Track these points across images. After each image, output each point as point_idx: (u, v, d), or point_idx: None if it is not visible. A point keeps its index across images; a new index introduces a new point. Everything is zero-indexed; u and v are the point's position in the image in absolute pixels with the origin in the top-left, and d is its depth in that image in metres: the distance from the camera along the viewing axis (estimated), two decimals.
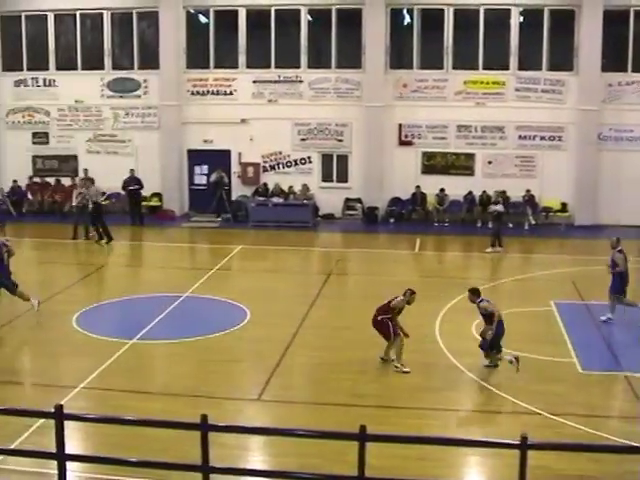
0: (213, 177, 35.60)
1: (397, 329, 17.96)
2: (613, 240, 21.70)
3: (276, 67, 35.71)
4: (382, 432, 11.61)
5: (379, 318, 18.04)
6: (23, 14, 37.48)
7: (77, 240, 31.33)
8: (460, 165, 35.18)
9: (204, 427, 10.38)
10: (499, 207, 30.40)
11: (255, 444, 14.14)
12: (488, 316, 17.70)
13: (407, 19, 35.40)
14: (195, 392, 16.59)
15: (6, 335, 20.99)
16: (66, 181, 37.18)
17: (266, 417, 15.86)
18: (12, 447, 13.24)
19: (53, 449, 10.88)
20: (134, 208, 34.87)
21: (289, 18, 35.61)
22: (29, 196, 37.54)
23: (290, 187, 35.37)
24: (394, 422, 14.77)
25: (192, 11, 36.52)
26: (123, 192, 35.52)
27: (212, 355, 19.06)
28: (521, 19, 34.35)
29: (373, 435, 10.29)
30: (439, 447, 12.53)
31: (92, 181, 32.96)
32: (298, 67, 35.54)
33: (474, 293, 17.95)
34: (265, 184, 35.89)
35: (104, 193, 36.25)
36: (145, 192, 35.79)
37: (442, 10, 34.40)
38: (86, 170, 35.85)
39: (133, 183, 34.79)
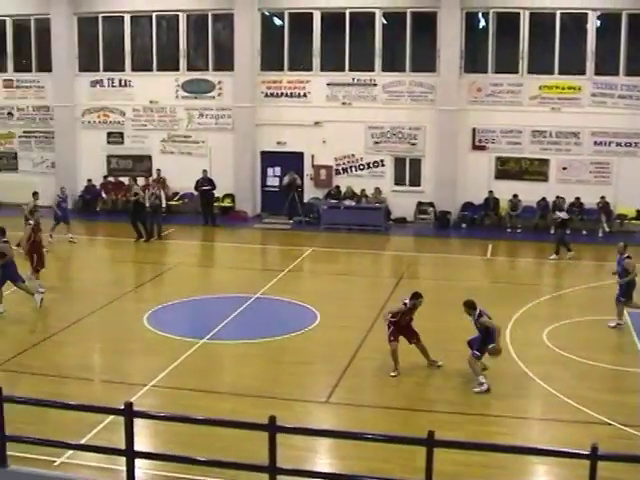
0: (286, 179, 35.65)
1: (394, 336, 17.80)
2: (620, 246, 21.53)
3: (350, 70, 35.64)
4: (449, 438, 11.51)
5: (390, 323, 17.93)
6: (100, 15, 37.96)
7: (150, 239, 31.63)
8: (534, 171, 34.79)
9: (272, 428, 10.38)
10: (563, 214, 30.08)
11: (323, 446, 14.13)
12: (484, 331, 17.07)
13: (482, 22, 35.13)
14: (264, 393, 16.62)
15: (77, 332, 21.24)
16: (140, 181, 37.45)
17: (334, 420, 15.84)
18: (82, 442, 13.38)
19: (122, 446, 10.95)
20: (206, 209, 35.07)
21: (364, 21, 35.53)
22: (103, 195, 37.95)
23: (362, 190, 35.25)
24: (461, 428, 14.64)
25: (267, 13, 36.64)
26: (196, 192, 35.76)
27: (281, 356, 19.09)
28: (598, 23, 33.85)
29: (441, 441, 10.20)
30: (505, 455, 12.40)
31: (135, 180, 34.03)
32: (372, 70, 35.44)
33: (470, 306, 17.21)
34: (337, 187, 35.85)
35: (177, 193, 36.64)
36: (218, 193, 36.00)
37: (518, 14, 34.05)
38: (159, 170, 36.22)
39: (206, 184, 35.01)
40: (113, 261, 30.17)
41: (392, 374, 17.62)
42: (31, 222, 25.06)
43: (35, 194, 29.91)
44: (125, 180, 37.63)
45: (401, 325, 17.89)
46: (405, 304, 17.84)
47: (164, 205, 33.34)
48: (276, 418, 10.30)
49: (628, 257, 21.26)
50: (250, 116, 36.28)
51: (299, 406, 16.21)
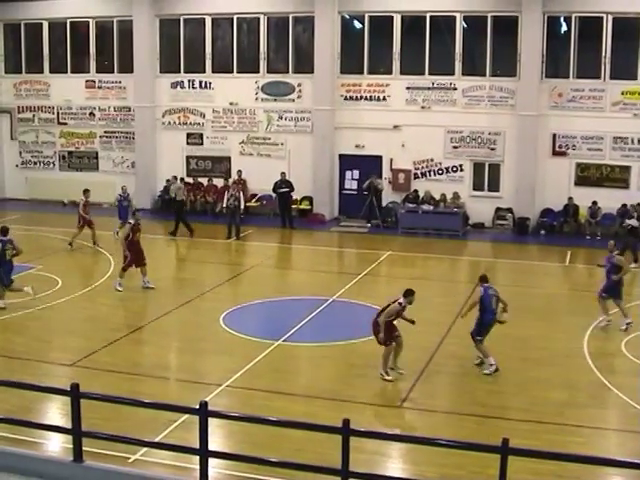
0: (366, 183, 35.48)
1: (391, 336, 17.74)
2: (610, 244, 22.11)
3: (430, 74, 35.45)
4: (523, 446, 11.36)
5: (378, 320, 17.77)
6: (181, 17, 38.34)
7: (230, 240, 31.86)
8: (615, 177, 34.26)
9: (345, 431, 10.37)
10: (633, 221, 29.61)
11: (395, 451, 14.07)
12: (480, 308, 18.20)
13: (564, 27, 34.70)
14: (337, 396, 16.60)
15: (154, 331, 21.47)
16: (219, 182, 37.77)
17: (407, 424, 15.77)
18: (157, 440, 13.50)
19: (196, 444, 11.03)
20: (284, 211, 35.20)
21: (444, 24, 35.34)
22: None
23: (442, 195, 35.00)
24: (535, 436, 14.43)
25: (347, 16, 36.65)
26: (274, 195, 35.91)
27: (356, 360, 19.06)
28: None
29: (516, 449, 10.10)
30: (580, 465, 12.20)
31: (176, 177, 34.98)
32: (452, 74, 35.21)
33: (482, 280, 18.64)
34: (416, 191, 35.67)
35: (255, 195, 36.79)
36: (296, 195, 36.12)
37: (600, 18, 33.52)
38: (240, 172, 36.37)
39: (284, 186, 35.14)
40: (191, 261, 30.45)
41: (388, 378, 17.56)
42: (131, 221, 25.74)
43: (86, 191, 30.82)
44: (204, 181, 37.98)
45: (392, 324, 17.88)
46: (400, 303, 17.76)
47: (242, 207, 33.48)
48: (349, 421, 10.29)
49: (619, 254, 22.09)
50: (329, 119, 36.31)
51: (372, 410, 16.18)
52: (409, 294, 17.81)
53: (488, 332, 18.09)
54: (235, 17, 37.60)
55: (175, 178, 35.36)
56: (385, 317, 17.64)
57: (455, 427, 15.31)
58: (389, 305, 17.84)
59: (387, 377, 17.56)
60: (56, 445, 14.20)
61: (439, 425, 15.52)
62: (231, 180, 35.97)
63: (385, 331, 17.59)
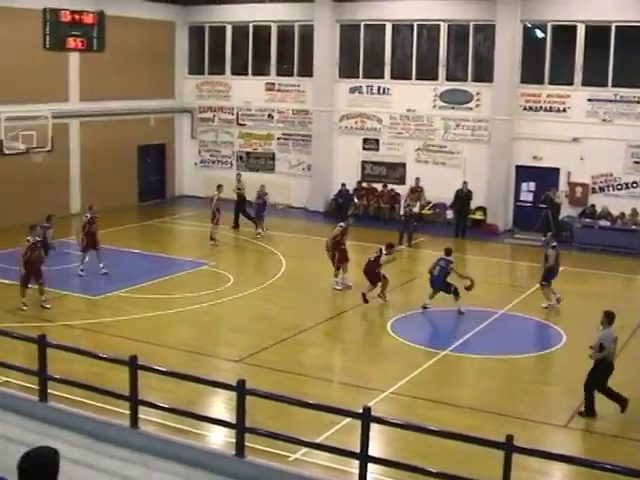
0: (544, 195, 34.69)
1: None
2: (548, 235, 26.03)
3: (613, 86, 34.50)
4: None
5: (376, 270, 24.14)
6: (362, 23, 38.53)
7: (401, 246, 31.82)
8: None
9: (509, 447, 10.16)
10: None
11: (558, 471, 13.74)
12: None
13: None
14: (501, 410, 16.35)
15: (322, 333, 21.62)
16: (394, 188, 37.75)
17: (572, 445, 15.37)
18: (317, 441, 13.55)
19: (356, 448, 11.00)
20: (460, 220, 34.88)
21: (631, 35, 34.17)
22: (355, 200, 38.41)
23: (622, 213, 33.90)
24: None
25: (529, 25, 36.06)
26: (448, 204, 35.66)
27: (522, 375, 18.74)
28: None
29: None
30: None
31: (240, 174, 36.40)
32: (637, 87, 34.17)
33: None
34: (593, 206, 34.76)
35: (429, 203, 36.64)
36: (471, 205, 35.77)
37: None
38: (418, 179, 36.24)
39: (463, 194, 34.83)
40: (358, 264, 30.50)
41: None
42: (342, 224, 26.76)
43: (220, 187, 32.25)
44: (378, 186, 38.02)
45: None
46: (381, 250, 24.49)
47: (417, 214, 33.33)
48: (513, 437, 10.08)
49: (552, 247, 24.73)
50: (507, 129, 35.78)
51: (536, 427, 15.84)
52: (390, 247, 24.59)
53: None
54: (415, 24, 37.53)
55: (240, 175, 36.39)
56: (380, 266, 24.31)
57: (621, 452, 14.80)
58: (377, 258, 24.35)
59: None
60: (219, 438, 14.46)
61: (604, 448, 15.05)
62: (408, 187, 35.87)
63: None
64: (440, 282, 23.41)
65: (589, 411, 16.50)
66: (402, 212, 32.96)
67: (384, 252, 24.39)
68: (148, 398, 13.53)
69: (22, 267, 22.39)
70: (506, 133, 35.72)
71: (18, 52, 33.32)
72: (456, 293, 23.16)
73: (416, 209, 33.56)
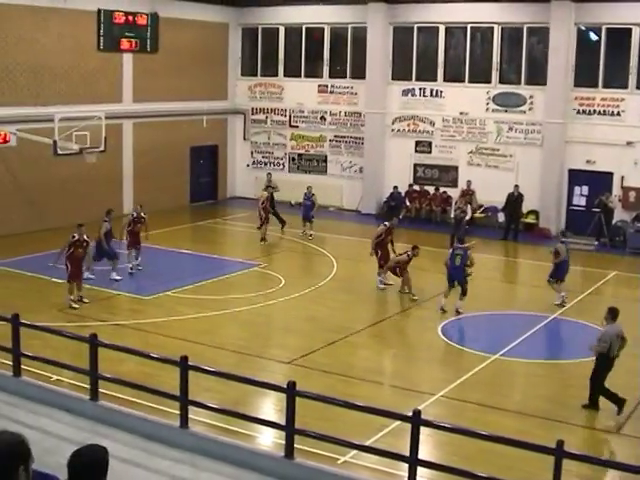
0: (597, 200, 34.36)
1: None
2: (560, 233, 27.52)
3: None
4: None
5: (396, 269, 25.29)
6: (415, 26, 38.42)
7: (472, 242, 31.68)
8: None
9: (559, 452, 10.08)
10: None
11: (609, 479, 13.59)
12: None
13: None
14: (551, 415, 16.23)
15: (372, 335, 21.60)
16: (446, 191, 37.61)
17: (623, 451, 15.19)
18: (367, 444, 13.52)
19: (406, 452, 10.97)
20: (511, 223, 34.65)
21: None
22: (407, 203, 38.31)
23: None
24: None
25: (583, 28, 35.72)
26: (499, 208, 35.46)
27: (573, 380, 18.56)
28: None
29: None
30: None
31: (270, 174, 36.65)
32: None
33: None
34: None
35: (481, 206, 36.44)
36: (523, 209, 35.52)
37: None
38: (469, 182, 36.07)
39: (514, 198, 34.59)
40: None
41: (415, 297, 24.46)
42: (387, 223, 27.03)
43: (267, 188, 33.08)
44: (430, 189, 37.87)
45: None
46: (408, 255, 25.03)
47: (468, 218, 33.14)
48: (563, 443, 9.99)
49: (561, 242, 25.29)
50: (560, 132, 35.48)
51: (586, 433, 15.73)
52: (415, 249, 25.23)
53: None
54: (469, 26, 37.35)
55: (270, 175, 36.67)
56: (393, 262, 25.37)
57: None
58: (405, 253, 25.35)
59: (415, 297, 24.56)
60: (268, 440, 14.48)
61: None
62: (458, 190, 35.72)
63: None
64: (462, 273, 23.44)
65: (593, 404, 16.61)
66: (453, 215, 32.80)
67: (410, 254, 25.17)
68: (197, 398, 13.61)
69: (65, 261, 22.72)
70: (559, 137, 35.42)
71: (73, 53, 33.71)
72: (465, 292, 23.14)
73: (468, 212, 33.34)
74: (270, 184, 35.12)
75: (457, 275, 23.42)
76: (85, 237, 23.09)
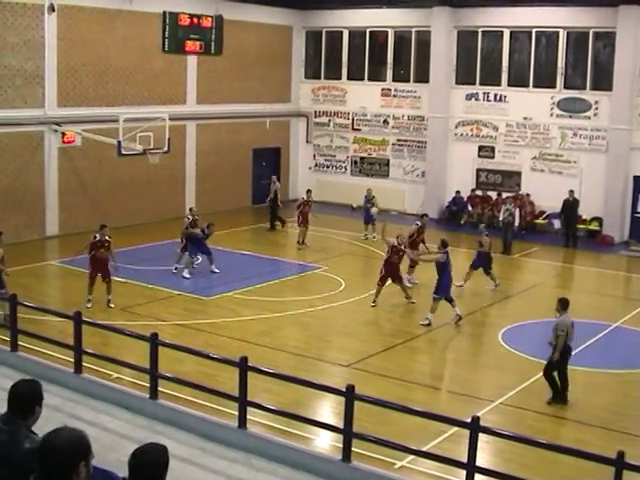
0: None
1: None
2: (481, 226, 28.35)
3: None
4: None
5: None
6: (480, 30, 38.23)
7: (507, 255, 31.39)
8: None
9: (619, 463, 9.96)
10: None
11: None
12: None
13: None
14: (612, 425, 16.03)
15: (432, 340, 21.52)
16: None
17: None
18: (424, 449, 13.46)
19: (464, 458, 10.91)
20: (569, 229, 34.32)
21: None
22: (469, 208, 38.11)
23: None
24: None
25: None
26: (557, 213, 35.14)
27: (633, 390, 18.36)
28: None
29: None
30: None
31: (278, 178, 36.69)
32: None
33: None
34: None
35: (543, 212, 36.11)
36: (585, 215, 35.17)
37: None
38: (518, 185, 35.84)
39: (569, 204, 34.26)
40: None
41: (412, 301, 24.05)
42: (418, 222, 27.78)
43: (309, 192, 33.35)
44: (493, 195, 37.60)
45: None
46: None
47: (517, 223, 32.74)
48: (624, 453, 9.86)
49: (486, 235, 26.45)
50: (626, 139, 35.04)
51: None
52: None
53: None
54: (534, 31, 37.06)
55: (277, 178, 36.64)
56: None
57: None
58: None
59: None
60: (325, 442, 14.49)
61: None
62: (508, 195, 35.43)
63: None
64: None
65: (557, 397, 17.04)
66: (501, 218, 32.52)
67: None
68: (256, 399, 13.65)
69: (87, 254, 22.94)
70: (625, 143, 34.99)
71: (138, 54, 34.07)
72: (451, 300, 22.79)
73: (516, 216, 32.87)
74: (274, 186, 35.42)
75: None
76: (107, 237, 22.94)
